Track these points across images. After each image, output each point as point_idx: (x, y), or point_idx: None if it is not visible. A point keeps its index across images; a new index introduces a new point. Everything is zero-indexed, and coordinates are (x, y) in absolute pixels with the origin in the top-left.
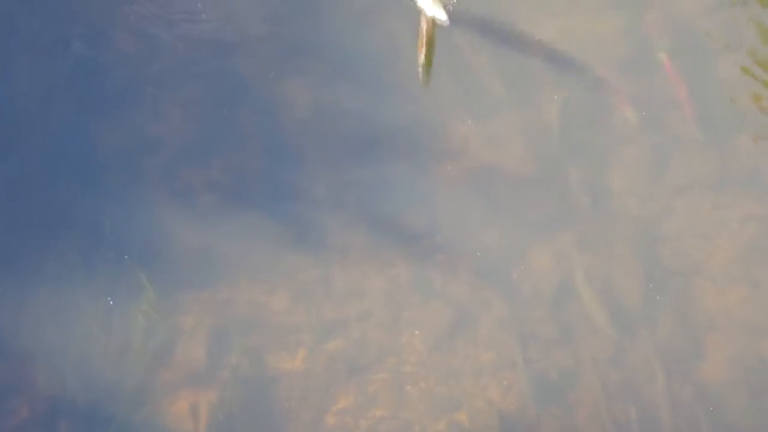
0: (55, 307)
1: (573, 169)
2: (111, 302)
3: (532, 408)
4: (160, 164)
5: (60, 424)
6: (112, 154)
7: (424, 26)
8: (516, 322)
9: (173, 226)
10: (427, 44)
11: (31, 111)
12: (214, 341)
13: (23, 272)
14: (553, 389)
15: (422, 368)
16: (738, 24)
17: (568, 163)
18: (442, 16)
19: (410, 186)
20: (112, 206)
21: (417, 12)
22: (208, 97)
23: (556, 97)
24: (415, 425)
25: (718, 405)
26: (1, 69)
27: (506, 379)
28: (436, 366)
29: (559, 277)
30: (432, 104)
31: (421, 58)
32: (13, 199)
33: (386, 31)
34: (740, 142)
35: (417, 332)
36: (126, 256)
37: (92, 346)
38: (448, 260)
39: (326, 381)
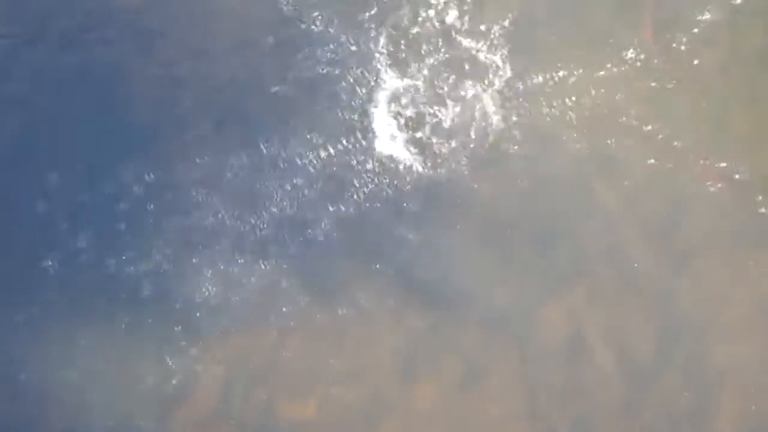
0: (76, 349)
1: (584, 225)
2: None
3: None
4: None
5: None
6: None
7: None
8: (527, 375)
9: (193, 275)
10: None
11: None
12: (225, 387)
13: (49, 317)
14: None
15: (434, 419)
16: None
17: (579, 218)
18: None
19: (424, 240)
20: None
21: None
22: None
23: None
24: None
25: None
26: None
27: (517, 431)
28: (448, 417)
29: (570, 331)
30: (445, 163)
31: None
32: (49, 241)
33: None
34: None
35: (431, 384)
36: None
37: (107, 387)
38: (460, 314)
39: (339, 430)
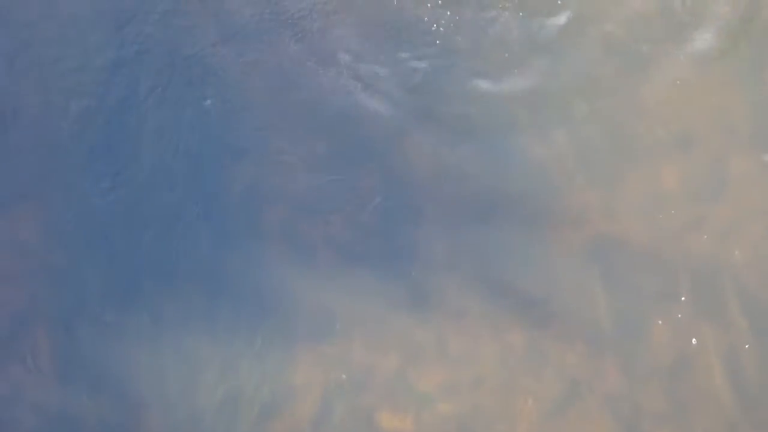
0: (174, 356)
1: (694, 243)
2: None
3: None
4: (281, 218)
5: None
6: (233, 206)
7: None
8: (631, 395)
9: (290, 281)
10: None
11: (151, 160)
12: (324, 398)
13: (144, 321)
14: None
15: None
16: None
17: (689, 236)
18: None
19: (528, 252)
20: (232, 258)
21: None
22: (331, 153)
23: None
24: None
25: None
26: (126, 118)
27: None
28: None
29: (677, 350)
30: (554, 172)
31: None
32: (135, 247)
33: (507, 98)
34: None
35: (530, 400)
36: (242, 307)
37: (206, 396)
38: (563, 329)
39: None
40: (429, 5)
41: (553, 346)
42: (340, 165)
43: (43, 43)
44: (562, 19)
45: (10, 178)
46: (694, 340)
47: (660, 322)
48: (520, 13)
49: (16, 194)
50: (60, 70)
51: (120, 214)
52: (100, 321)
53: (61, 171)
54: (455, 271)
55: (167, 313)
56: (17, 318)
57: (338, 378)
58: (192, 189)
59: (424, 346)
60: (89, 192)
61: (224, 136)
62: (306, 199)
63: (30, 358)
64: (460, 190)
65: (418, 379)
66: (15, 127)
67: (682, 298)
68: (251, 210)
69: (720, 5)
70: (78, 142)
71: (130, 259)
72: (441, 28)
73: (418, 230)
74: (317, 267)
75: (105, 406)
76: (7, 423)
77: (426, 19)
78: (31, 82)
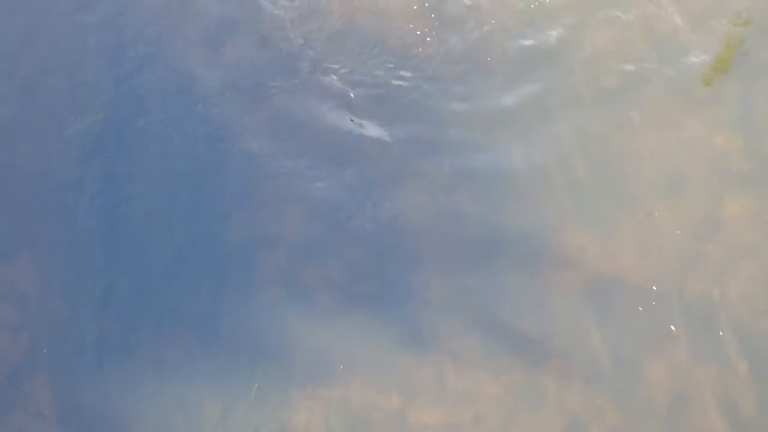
0: (173, 400)
1: (689, 282)
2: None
3: None
4: (279, 262)
5: None
6: (232, 250)
7: None
8: None
9: (290, 324)
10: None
11: (149, 206)
12: None
13: (143, 366)
14: None
15: None
16: None
17: (684, 275)
18: None
19: (525, 292)
20: (231, 302)
21: None
22: (328, 198)
23: (671, 209)
24: None
25: None
26: (125, 163)
27: None
28: None
29: (674, 388)
30: (550, 212)
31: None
32: (133, 293)
33: (506, 139)
34: None
35: None
36: (241, 351)
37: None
38: (561, 367)
39: None
40: (427, 74)
41: (551, 384)
42: (337, 208)
43: (42, 77)
44: (558, 67)
45: (8, 226)
46: (690, 378)
47: (657, 359)
48: (516, 67)
49: (15, 243)
50: (55, 110)
51: (119, 261)
52: (99, 367)
53: (58, 219)
54: (453, 312)
55: (167, 357)
56: (18, 365)
57: (338, 419)
58: (191, 234)
59: (424, 385)
60: (88, 240)
61: (222, 181)
62: (304, 242)
63: (31, 404)
64: (456, 231)
65: (419, 419)
66: (11, 175)
67: (679, 336)
68: (250, 254)
69: (710, 49)
70: (75, 189)
71: (128, 305)
72: (434, 101)
73: (416, 271)
74: (316, 309)
75: None
76: None
77: (422, 89)
78: (27, 121)
